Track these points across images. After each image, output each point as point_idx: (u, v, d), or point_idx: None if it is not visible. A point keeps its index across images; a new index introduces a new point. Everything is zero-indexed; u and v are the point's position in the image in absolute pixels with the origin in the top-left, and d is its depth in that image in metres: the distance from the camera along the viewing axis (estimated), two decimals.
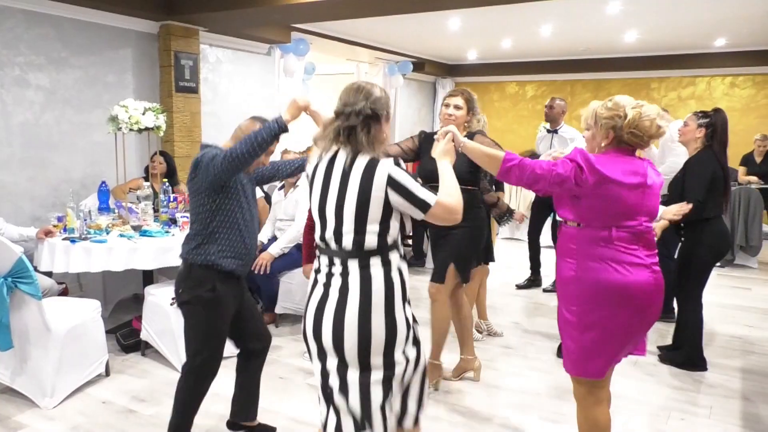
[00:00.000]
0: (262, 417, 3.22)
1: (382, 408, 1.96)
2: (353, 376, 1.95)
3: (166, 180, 4.71)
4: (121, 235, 3.99)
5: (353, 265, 1.94)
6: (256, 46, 6.87)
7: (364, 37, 7.78)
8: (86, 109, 5.20)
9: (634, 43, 8.06)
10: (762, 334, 4.68)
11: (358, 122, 1.96)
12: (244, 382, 2.91)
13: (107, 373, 3.71)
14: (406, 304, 2.03)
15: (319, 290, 2.02)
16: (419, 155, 3.51)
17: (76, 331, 3.43)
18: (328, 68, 9.19)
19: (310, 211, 3.94)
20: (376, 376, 1.95)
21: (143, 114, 4.29)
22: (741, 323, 4.94)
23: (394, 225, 1.98)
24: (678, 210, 3.61)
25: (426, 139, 3.50)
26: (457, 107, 3.35)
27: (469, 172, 3.23)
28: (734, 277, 6.52)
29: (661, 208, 3.60)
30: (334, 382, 1.97)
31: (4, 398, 3.41)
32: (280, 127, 2.36)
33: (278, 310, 4.64)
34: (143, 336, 3.99)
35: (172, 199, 4.49)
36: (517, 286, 5.89)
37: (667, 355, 4.03)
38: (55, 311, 3.38)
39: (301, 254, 4.01)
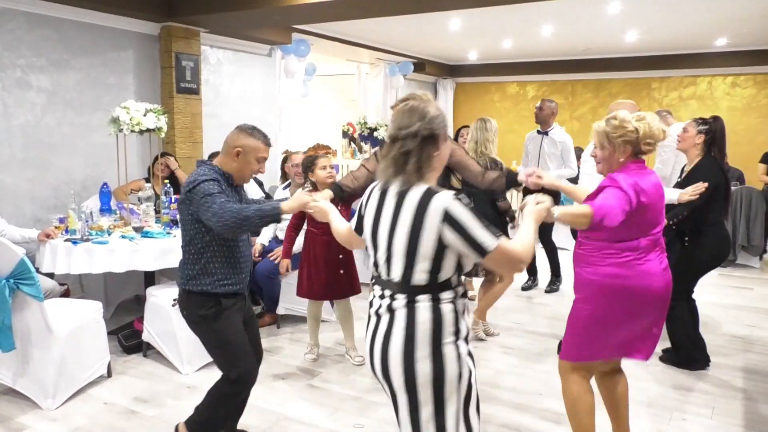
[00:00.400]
0: (263, 418, 3.23)
1: None
2: (402, 407, 1.87)
3: (167, 181, 4.72)
4: (123, 237, 3.99)
5: (401, 298, 1.84)
6: (256, 47, 6.88)
7: (365, 37, 7.79)
8: (87, 110, 5.21)
9: (635, 43, 8.06)
10: (764, 334, 4.67)
11: (415, 146, 1.83)
12: (212, 402, 2.74)
13: (109, 374, 3.71)
14: (461, 342, 1.88)
15: (372, 319, 1.94)
16: None
17: (77, 333, 3.43)
18: (328, 69, 9.21)
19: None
20: (426, 412, 1.84)
21: (144, 115, 4.30)
22: (743, 323, 4.93)
23: (449, 264, 1.81)
24: (693, 190, 3.61)
25: None
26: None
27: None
28: (736, 277, 6.52)
29: (676, 191, 3.64)
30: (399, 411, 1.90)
31: (6, 399, 3.41)
32: (274, 219, 2.42)
33: (280, 310, 4.64)
34: (145, 337, 3.99)
35: (173, 200, 4.49)
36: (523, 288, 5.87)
37: (667, 356, 4.03)
38: (56, 312, 3.39)
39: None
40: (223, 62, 6.57)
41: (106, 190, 4.57)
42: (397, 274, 1.84)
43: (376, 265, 1.94)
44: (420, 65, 9.60)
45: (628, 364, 3.95)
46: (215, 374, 3.79)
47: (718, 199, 3.70)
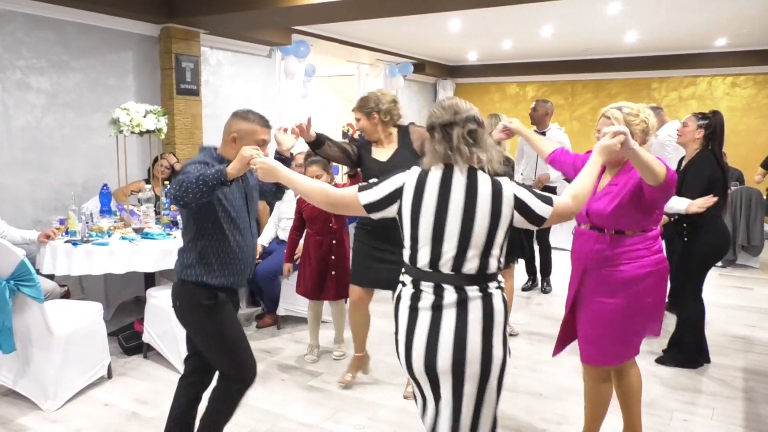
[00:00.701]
0: (263, 419, 3.23)
1: (494, 421, 1.97)
2: (470, 396, 1.90)
3: (167, 182, 4.71)
4: (123, 238, 4.00)
5: (473, 290, 1.88)
6: (256, 48, 6.89)
7: (365, 38, 7.79)
8: (87, 112, 5.22)
9: (635, 43, 8.06)
10: (764, 334, 4.67)
11: (478, 128, 1.91)
12: (219, 406, 2.59)
13: (109, 375, 3.71)
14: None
15: (424, 319, 1.90)
16: (359, 163, 3.46)
17: (78, 334, 3.43)
18: (328, 70, 9.20)
19: (297, 212, 4.00)
20: (490, 396, 1.92)
21: (144, 117, 4.31)
22: (743, 323, 4.93)
23: (504, 248, 1.93)
24: (703, 203, 3.61)
25: (363, 147, 3.44)
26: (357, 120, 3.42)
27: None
28: (736, 277, 6.51)
29: (684, 201, 3.64)
30: (446, 406, 1.91)
31: (6, 401, 3.41)
32: (219, 182, 2.18)
33: (280, 311, 4.64)
34: (145, 338, 3.99)
35: (173, 202, 4.49)
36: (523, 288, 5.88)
37: (668, 356, 4.02)
38: (57, 314, 3.39)
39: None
40: (223, 63, 6.57)
41: (106, 191, 4.57)
42: (472, 266, 1.87)
43: (433, 262, 1.89)
44: (420, 66, 9.60)
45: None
46: (216, 375, 3.80)
47: (715, 193, 3.71)
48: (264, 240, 4.79)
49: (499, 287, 1.94)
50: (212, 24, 5.75)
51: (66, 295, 4.25)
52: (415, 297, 1.93)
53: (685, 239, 3.93)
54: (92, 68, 5.24)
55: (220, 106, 6.52)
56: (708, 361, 3.93)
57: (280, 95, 7.25)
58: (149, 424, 3.20)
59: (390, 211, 1.99)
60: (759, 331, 4.74)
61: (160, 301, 3.84)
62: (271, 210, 5.08)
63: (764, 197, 7.10)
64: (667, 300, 2.76)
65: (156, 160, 4.88)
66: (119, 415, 3.29)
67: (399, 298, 2.01)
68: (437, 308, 1.89)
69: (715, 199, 3.64)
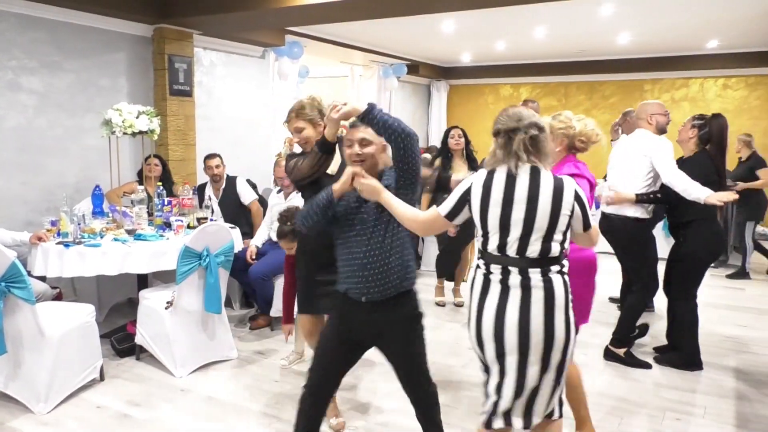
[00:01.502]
0: (257, 421, 3.22)
1: (552, 396, 2.19)
2: (533, 372, 2.11)
3: (160, 183, 4.70)
4: (116, 239, 3.98)
5: (534, 273, 2.10)
6: (250, 49, 6.87)
7: (358, 39, 7.79)
8: (79, 113, 5.19)
9: (628, 45, 8.10)
10: (755, 334, 4.70)
11: (539, 133, 2.11)
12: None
13: (102, 377, 3.70)
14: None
15: (493, 297, 2.14)
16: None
17: (70, 336, 3.42)
18: (322, 71, 9.20)
19: (288, 267, 3.59)
20: (553, 372, 2.13)
21: (137, 117, 4.29)
22: (734, 323, 4.96)
23: (567, 235, 2.17)
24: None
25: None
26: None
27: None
28: (728, 278, 6.55)
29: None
30: (510, 378, 2.13)
31: None
32: (329, 203, 2.33)
33: (273, 313, 4.63)
34: (138, 340, 3.98)
35: (166, 203, 4.48)
36: None
37: (666, 357, 4.04)
38: (49, 316, 3.37)
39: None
40: (216, 64, 6.56)
41: (98, 192, 4.55)
42: (534, 249, 2.09)
43: (501, 246, 2.12)
44: (413, 67, 9.61)
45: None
46: (209, 377, 3.81)
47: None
48: (257, 241, 4.78)
49: (561, 272, 2.14)
50: (205, 25, 5.74)
51: (58, 297, 4.23)
52: (486, 278, 2.18)
53: (680, 240, 3.96)
54: (84, 69, 5.21)
55: (213, 107, 6.51)
56: (701, 367, 3.94)
57: (273, 96, 7.24)
58: (142, 426, 3.19)
59: (466, 212, 2.23)
60: (750, 331, 4.77)
61: (153, 302, 3.83)
62: (265, 211, 5.07)
63: None
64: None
65: (147, 159, 4.85)
66: (111, 417, 3.28)
67: (474, 279, 2.25)
68: (505, 288, 2.12)
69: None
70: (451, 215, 2.25)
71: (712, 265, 4.46)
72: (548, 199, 2.08)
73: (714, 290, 5.95)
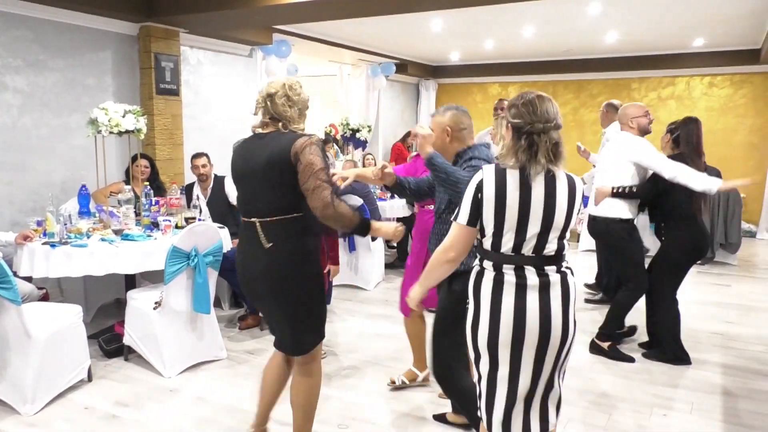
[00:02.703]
0: (246, 420, 3.21)
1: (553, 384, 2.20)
2: (548, 368, 2.12)
3: (147, 183, 4.67)
4: (103, 240, 3.95)
5: (551, 270, 2.10)
6: (237, 47, 6.84)
7: (347, 38, 7.78)
8: (65, 112, 5.14)
9: (615, 44, 8.15)
10: (741, 330, 4.75)
11: (559, 137, 2.08)
12: None
13: (89, 378, 3.67)
14: None
15: (509, 296, 2.08)
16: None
17: (57, 337, 3.39)
18: (310, 70, 9.18)
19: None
20: (562, 367, 2.17)
21: (123, 117, 4.25)
22: (721, 319, 5.01)
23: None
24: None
25: None
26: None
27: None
28: (714, 274, 6.62)
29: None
30: (525, 378, 2.12)
31: None
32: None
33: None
34: (126, 341, 3.95)
35: (153, 203, 4.45)
36: None
37: (653, 353, 4.08)
38: (35, 317, 3.34)
39: None
40: (203, 63, 6.52)
41: (84, 192, 4.51)
42: (551, 248, 2.09)
43: (518, 246, 2.08)
44: (402, 66, 9.61)
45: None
46: (198, 377, 3.79)
47: (685, 192, 3.79)
48: None
49: (568, 267, 2.17)
50: (192, 23, 5.70)
51: (44, 298, 4.19)
52: (498, 279, 2.10)
53: (663, 239, 4.01)
54: (70, 68, 5.17)
55: (201, 106, 6.47)
56: (689, 362, 3.98)
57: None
58: (130, 426, 3.16)
59: (481, 211, 2.12)
60: (736, 327, 4.81)
61: (140, 303, 3.80)
62: None
63: (741, 196, 7.25)
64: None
65: (134, 159, 4.81)
66: (99, 418, 3.25)
67: (479, 281, 2.15)
68: (521, 287, 2.08)
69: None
70: (471, 221, 2.13)
71: (699, 262, 4.49)
72: (564, 197, 2.08)
73: (701, 287, 6.01)
